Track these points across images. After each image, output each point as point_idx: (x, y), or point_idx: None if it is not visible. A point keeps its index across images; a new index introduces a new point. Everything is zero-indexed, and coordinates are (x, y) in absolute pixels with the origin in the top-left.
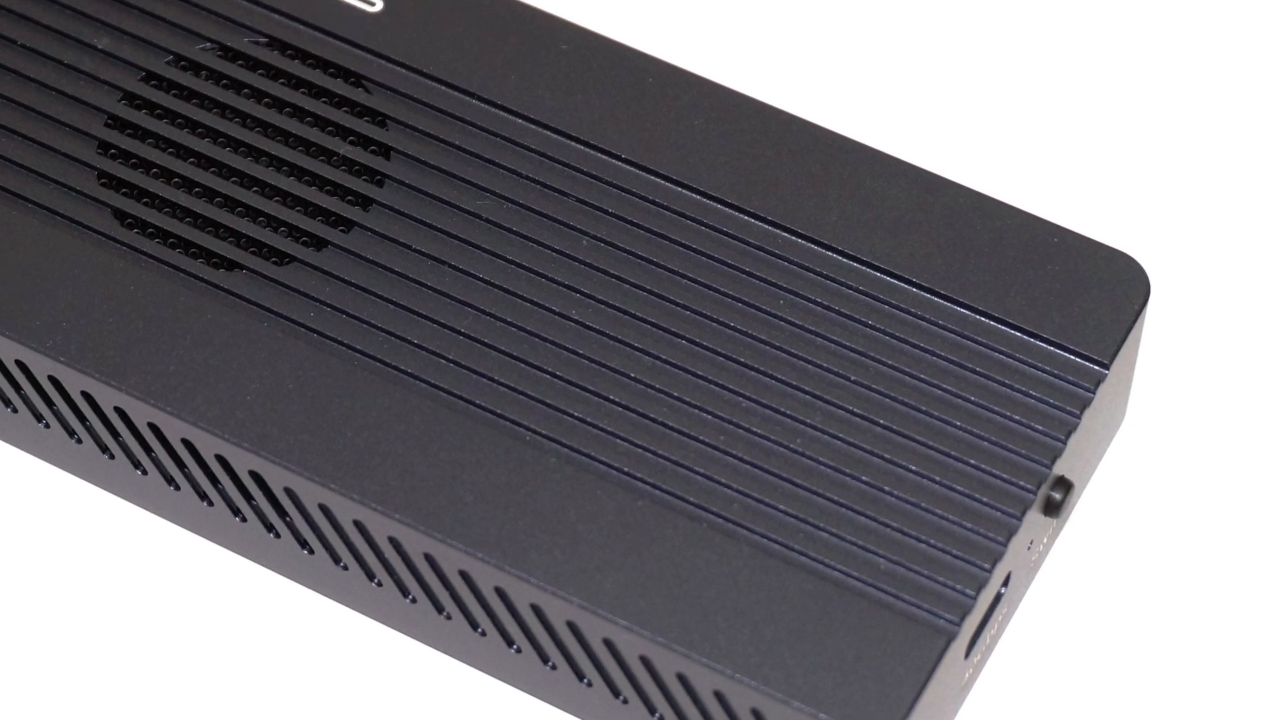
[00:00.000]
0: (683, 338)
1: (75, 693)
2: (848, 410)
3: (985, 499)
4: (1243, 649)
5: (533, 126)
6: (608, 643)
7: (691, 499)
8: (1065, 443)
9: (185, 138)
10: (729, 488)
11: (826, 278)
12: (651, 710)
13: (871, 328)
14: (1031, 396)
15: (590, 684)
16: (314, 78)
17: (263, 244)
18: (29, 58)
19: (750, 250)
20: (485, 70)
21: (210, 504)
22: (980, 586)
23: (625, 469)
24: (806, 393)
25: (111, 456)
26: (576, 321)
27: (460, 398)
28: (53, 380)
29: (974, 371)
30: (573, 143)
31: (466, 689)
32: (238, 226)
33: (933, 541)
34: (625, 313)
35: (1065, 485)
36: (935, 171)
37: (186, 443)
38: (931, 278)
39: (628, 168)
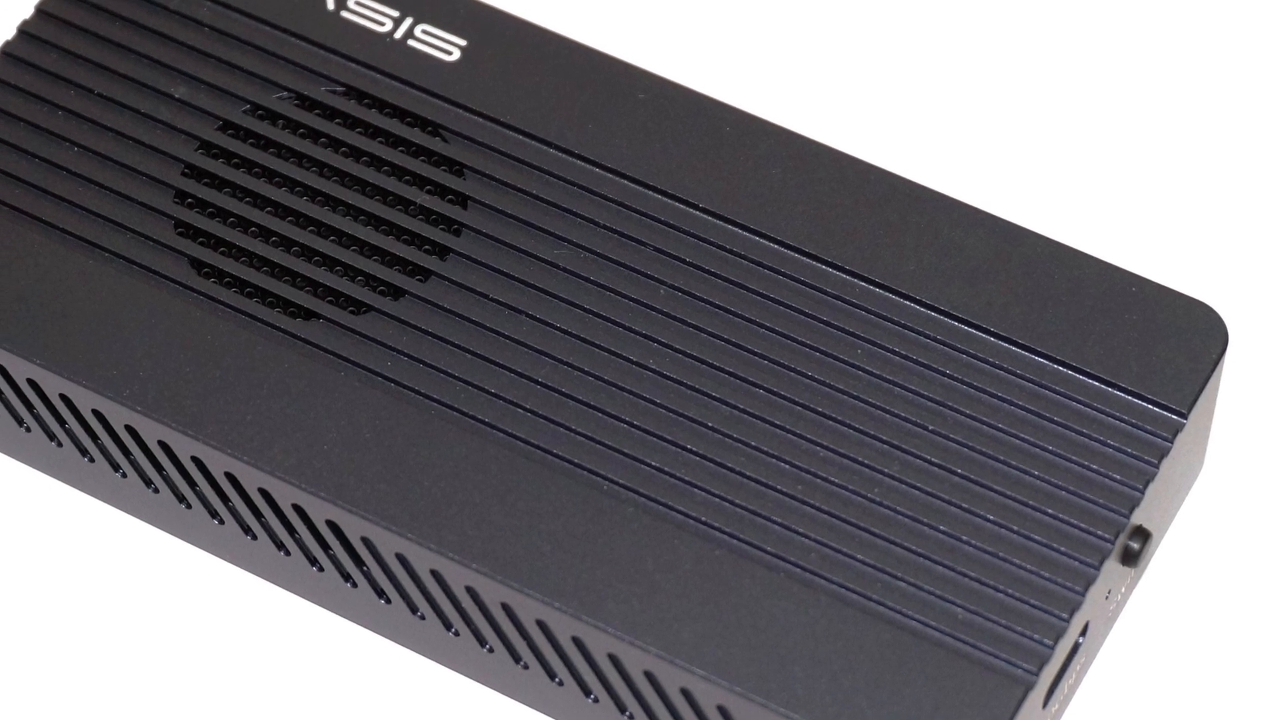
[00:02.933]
0: (760, 387)
1: None
2: (925, 459)
3: (1063, 548)
4: None
5: (610, 175)
6: (685, 693)
7: (769, 548)
8: (1143, 492)
9: (262, 187)
10: (806, 537)
11: (904, 327)
12: None
13: (949, 377)
14: (1109, 446)
15: None
16: (391, 126)
17: (340, 293)
18: (106, 107)
19: (827, 299)
20: (562, 119)
21: (287, 554)
22: (1058, 636)
23: (703, 518)
24: (884, 442)
25: (188, 506)
26: (654, 371)
27: (538, 447)
28: (129, 430)
29: (1052, 421)
30: (650, 192)
31: None
32: (315, 276)
33: (1010, 591)
34: (703, 362)
35: (1143, 535)
36: (1012, 220)
37: (264, 492)
38: (1009, 327)
39: (705, 217)
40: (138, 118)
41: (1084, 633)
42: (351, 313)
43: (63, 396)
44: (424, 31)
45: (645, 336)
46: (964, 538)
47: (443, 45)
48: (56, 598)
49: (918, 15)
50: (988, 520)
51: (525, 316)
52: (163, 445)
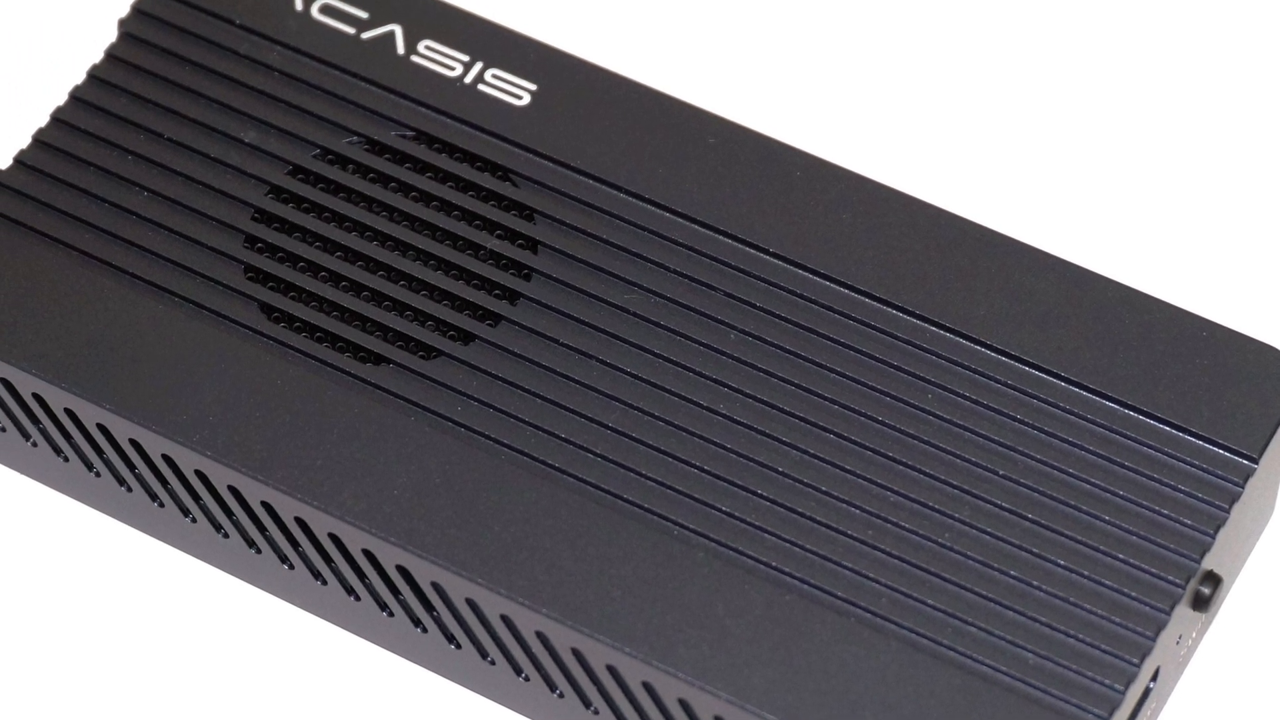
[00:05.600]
0: (830, 431)
1: None
2: (996, 504)
3: (1134, 593)
4: None
5: (680, 220)
6: None
7: (840, 593)
8: (1214, 537)
9: (332, 231)
10: (877, 582)
11: (975, 372)
12: None
13: (1020, 422)
14: (1180, 491)
15: None
16: (461, 171)
17: (410, 338)
18: (176, 151)
19: (898, 344)
20: (633, 164)
21: (357, 599)
22: (1129, 681)
23: (773, 563)
24: (954, 487)
25: (258, 551)
26: (724, 416)
27: (608, 492)
28: (199, 475)
29: (1122, 465)
30: (720, 236)
31: None
32: (385, 321)
33: (1081, 636)
34: (773, 407)
35: (1214, 580)
36: (1082, 265)
37: (333, 537)
38: (1080, 372)
39: (775, 261)
40: (207, 162)
41: (1155, 678)
42: (421, 357)
43: (132, 441)
44: (494, 76)
45: (716, 381)
46: (1034, 582)
47: (513, 90)
48: (129, 642)
49: (988, 61)
50: (1058, 565)
51: (595, 361)
52: (232, 490)
